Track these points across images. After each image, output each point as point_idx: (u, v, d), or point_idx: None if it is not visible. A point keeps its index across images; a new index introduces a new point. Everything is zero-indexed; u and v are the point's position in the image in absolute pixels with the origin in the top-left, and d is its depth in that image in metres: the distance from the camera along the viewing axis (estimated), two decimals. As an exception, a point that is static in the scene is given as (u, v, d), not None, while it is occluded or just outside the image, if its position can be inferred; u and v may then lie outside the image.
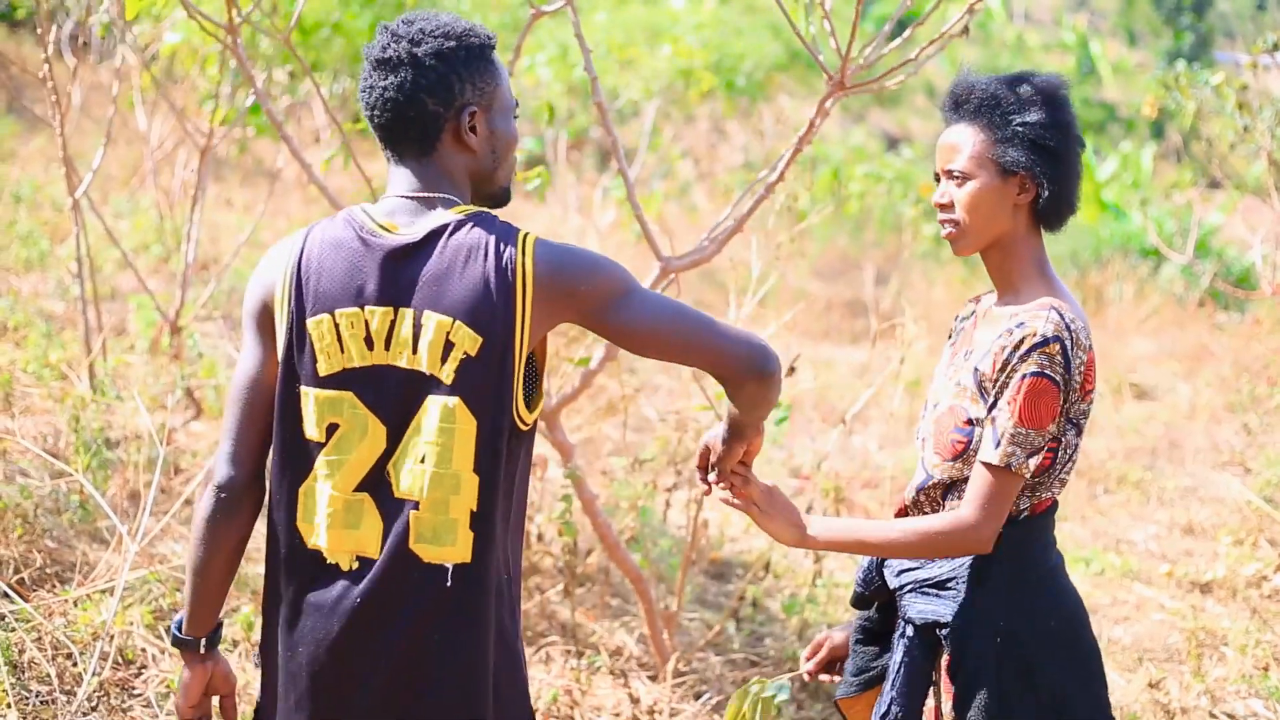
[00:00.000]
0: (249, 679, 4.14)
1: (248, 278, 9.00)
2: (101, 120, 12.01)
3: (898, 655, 2.87)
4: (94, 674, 3.90)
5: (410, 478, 2.33)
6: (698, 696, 4.76)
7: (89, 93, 12.11)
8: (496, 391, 2.32)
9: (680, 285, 4.18)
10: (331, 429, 2.38)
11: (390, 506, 2.35)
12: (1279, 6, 30.88)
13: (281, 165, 11.26)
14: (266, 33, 4.36)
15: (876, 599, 3.03)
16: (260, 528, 2.54)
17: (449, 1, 12.56)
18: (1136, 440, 8.81)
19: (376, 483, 2.37)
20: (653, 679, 4.83)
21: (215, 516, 2.46)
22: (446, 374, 2.31)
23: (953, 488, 2.77)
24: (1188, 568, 6.52)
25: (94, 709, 3.89)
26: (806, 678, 3.21)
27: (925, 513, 2.83)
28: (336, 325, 2.37)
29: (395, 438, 2.35)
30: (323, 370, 2.38)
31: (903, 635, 2.87)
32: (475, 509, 2.33)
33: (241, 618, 4.47)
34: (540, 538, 5.30)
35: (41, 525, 4.67)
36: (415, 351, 2.33)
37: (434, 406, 2.32)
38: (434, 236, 2.34)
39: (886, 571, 2.94)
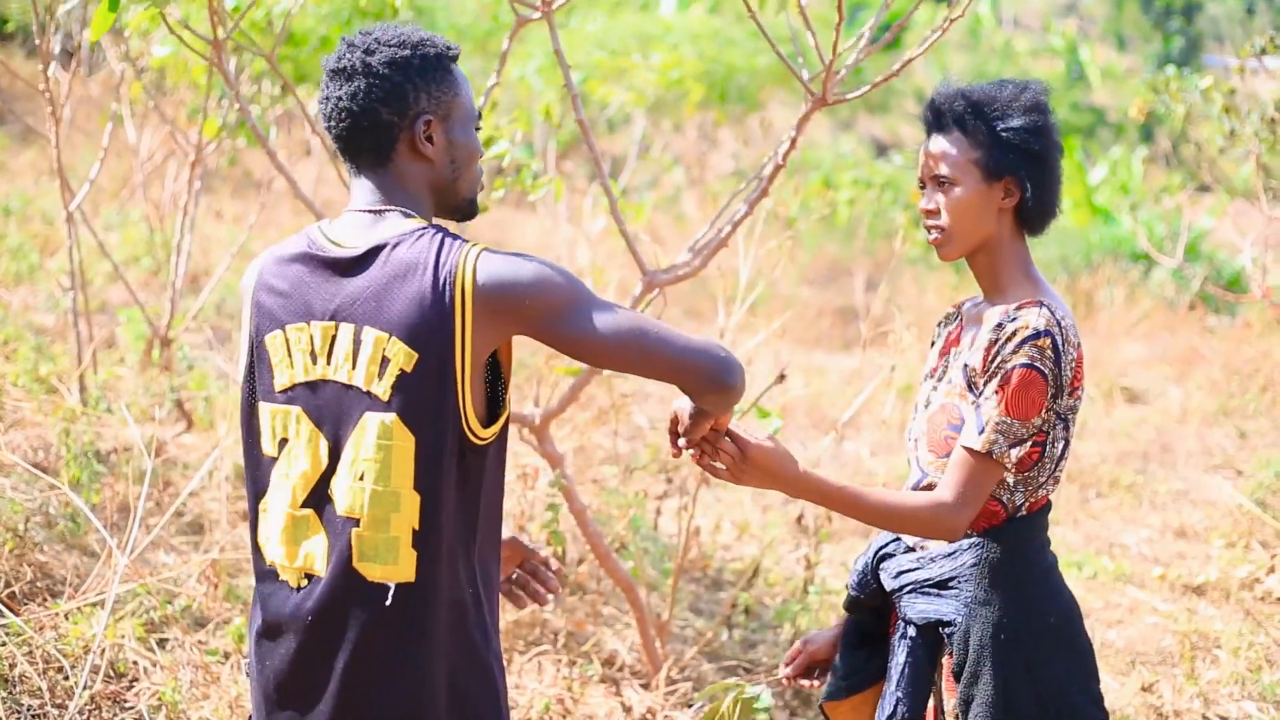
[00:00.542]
0: (240, 690, 4.14)
1: (238, 290, 9.05)
2: (91, 133, 12.02)
3: (900, 656, 2.88)
4: (85, 687, 3.89)
5: (350, 495, 2.31)
6: (690, 704, 4.76)
7: (78, 106, 12.10)
8: (436, 408, 2.28)
9: (665, 294, 4.18)
10: (283, 444, 2.38)
11: (335, 524, 2.33)
12: (1268, 11, 30.92)
13: (272, 177, 11.25)
14: (251, 49, 4.35)
15: (870, 603, 3.04)
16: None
17: (444, 13, 12.56)
18: (1128, 444, 8.82)
19: (321, 499, 2.35)
20: (645, 687, 4.82)
21: None
22: (383, 390, 2.29)
23: None
24: (1180, 571, 6.53)
25: (85, 722, 3.88)
26: (785, 682, 3.21)
27: None
28: (288, 340, 2.37)
29: (336, 454, 2.34)
30: (277, 385, 2.39)
31: (904, 636, 2.89)
32: (417, 527, 2.30)
33: (232, 630, 4.46)
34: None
35: (32, 539, 4.66)
36: (355, 367, 2.31)
37: (372, 423, 2.30)
38: (376, 251, 2.32)
39: (883, 574, 2.96)
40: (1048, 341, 2.67)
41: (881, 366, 5.80)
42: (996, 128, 2.78)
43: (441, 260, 2.29)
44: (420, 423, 2.28)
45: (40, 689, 3.88)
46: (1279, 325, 10.18)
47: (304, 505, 2.36)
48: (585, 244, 9.42)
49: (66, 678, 3.99)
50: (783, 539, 6.39)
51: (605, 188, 4.01)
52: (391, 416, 2.28)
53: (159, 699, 4.05)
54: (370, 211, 2.41)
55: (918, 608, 2.84)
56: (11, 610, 4.20)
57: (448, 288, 2.26)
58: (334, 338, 2.33)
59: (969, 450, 2.70)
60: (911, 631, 2.87)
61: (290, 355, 2.37)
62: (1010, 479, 2.77)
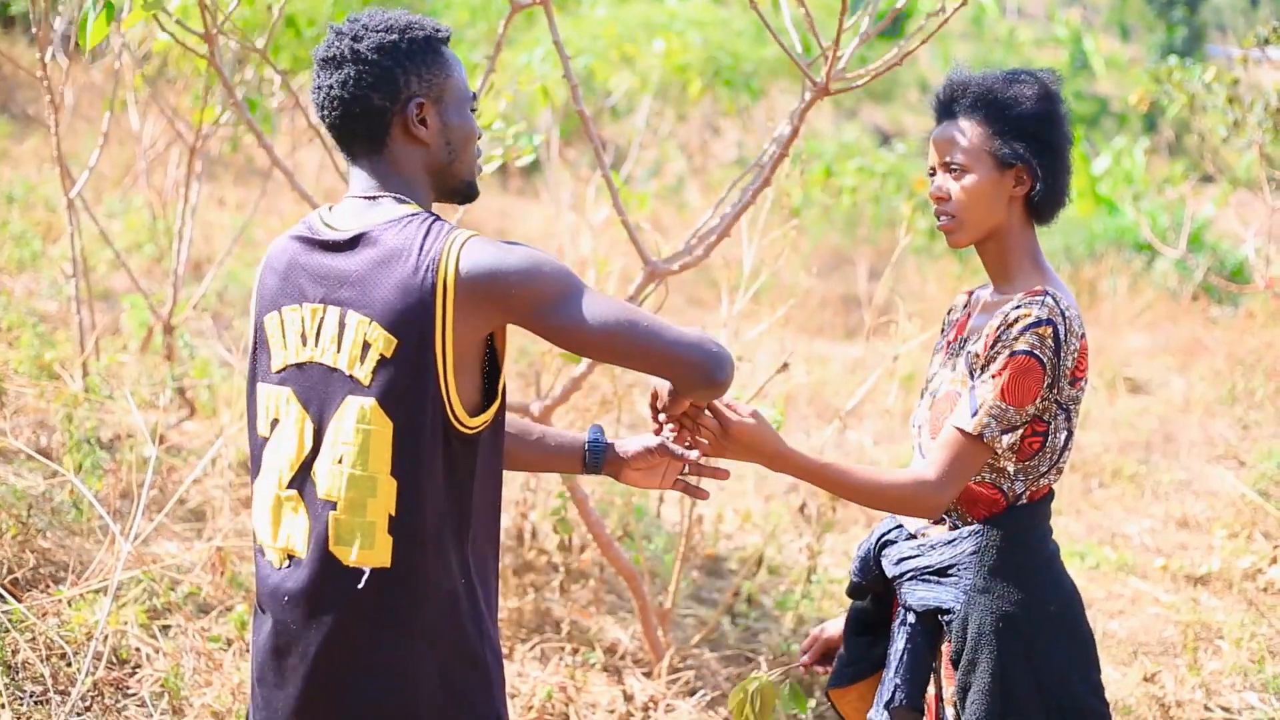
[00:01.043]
0: (243, 677, 4.14)
1: (240, 277, 9.06)
2: (94, 120, 12.01)
3: (900, 642, 2.89)
4: (88, 674, 3.89)
5: (329, 479, 2.31)
6: (692, 693, 4.76)
7: (81, 93, 12.09)
8: (416, 394, 2.27)
9: (667, 283, 4.17)
10: (274, 425, 2.39)
11: (315, 506, 2.34)
12: (1271, 2, 30.86)
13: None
14: (243, 44, 4.33)
15: (872, 589, 3.05)
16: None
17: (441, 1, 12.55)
18: (1131, 434, 8.82)
19: (305, 481, 2.36)
20: (647, 675, 4.82)
21: None
22: (364, 375, 2.29)
23: None
24: (1183, 561, 6.52)
25: (88, 709, 3.88)
26: (803, 670, 3.22)
27: None
28: (283, 321, 2.39)
29: (319, 436, 2.34)
30: (273, 366, 2.40)
31: (904, 623, 2.89)
32: (394, 513, 2.29)
33: (235, 617, 4.46)
34: (534, 534, 5.30)
35: (35, 525, 4.66)
36: (339, 350, 2.32)
37: (352, 406, 2.30)
38: (365, 235, 2.32)
39: (885, 560, 2.96)
40: (1049, 330, 2.67)
41: (885, 356, 5.79)
42: (1008, 115, 2.78)
43: (426, 247, 2.28)
44: (399, 408, 2.28)
45: (43, 675, 3.89)
46: (1282, 315, 10.18)
47: (289, 486, 2.36)
48: (588, 233, 9.40)
49: (69, 664, 3.99)
50: (785, 528, 6.38)
51: (606, 178, 3.99)
52: (370, 401, 2.28)
53: (161, 686, 4.05)
54: (366, 198, 2.41)
55: (918, 595, 2.85)
56: (14, 597, 4.20)
57: (430, 274, 2.25)
58: (321, 320, 2.34)
59: (960, 431, 2.71)
60: (911, 618, 2.88)
61: (284, 336, 2.38)
62: (1011, 468, 2.77)
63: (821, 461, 2.76)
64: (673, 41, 12.60)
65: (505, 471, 2.56)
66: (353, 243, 2.33)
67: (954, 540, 2.82)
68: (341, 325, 2.31)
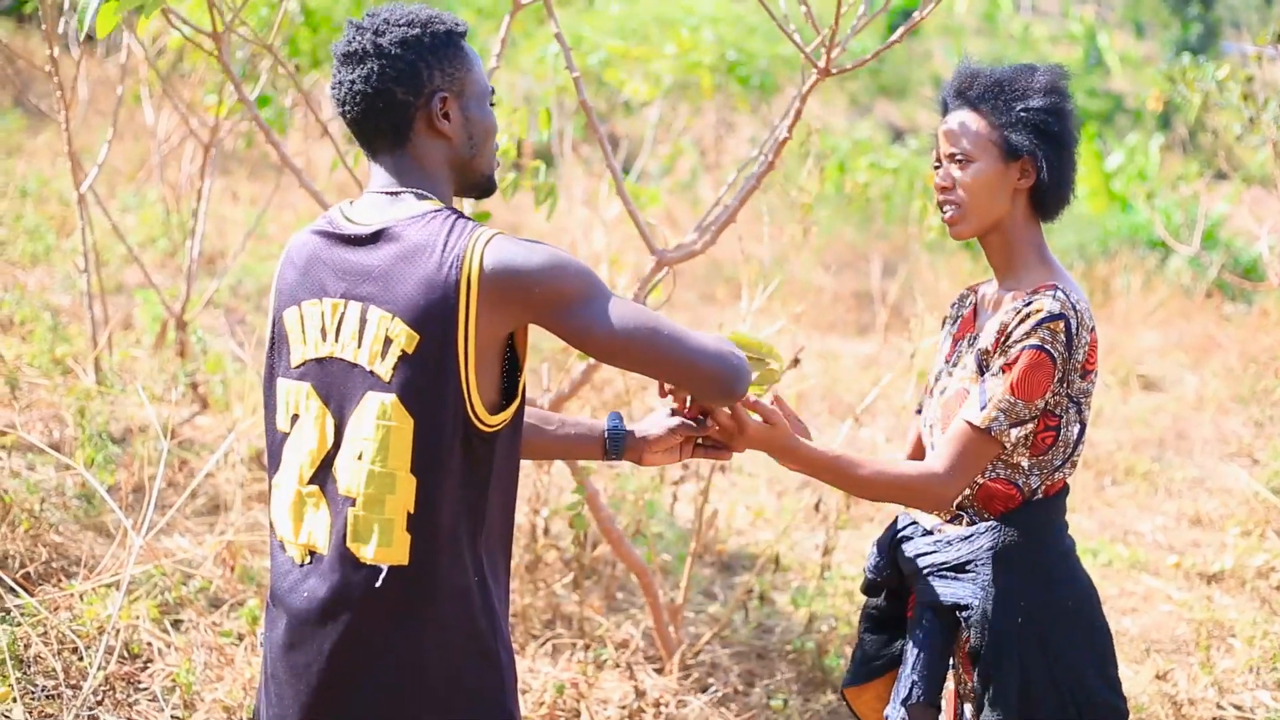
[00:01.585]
0: (254, 672, 4.14)
1: (254, 271, 9.07)
2: (108, 114, 12.02)
3: (917, 639, 2.88)
4: (99, 668, 3.90)
5: (349, 475, 2.30)
6: (704, 689, 4.76)
7: (95, 87, 12.11)
8: (437, 391, 2.26)
9: (680, 279, 4.16)
10: (295, 421, 2.38)
11: (336, 502, 2.33)
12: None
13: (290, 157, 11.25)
14: (252, 42, 4.33)
15: (887, 585, 3.04)
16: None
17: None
18: (1144, 431, 8.80)
19: (326, 477, 2.35)
20: (659, 672, 4.82)
21: None
22: (385, 371, 2.28)
23: None
24: (1195, 559, 6.51)
25: (99, 703, 3.89)
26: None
27: None
28: (303, 316, 2.38)
29: (340, 431, 2.33)
30: (292, 361, 2.39)
31: (921, 619, 2.88)
32: (413, 510, 2.28)
33: (246, 611, 4.47)
34: (546, 531, 5.30)
35: (47, 519, 4.67)
36: (360, 346, 2.31)
37: (372, 402, 2.29)
38: (386, 231, 2.32)
39: (901, 557, 2.95)
40: (1061, 325, 2.67)
41: (899, 352, 5.78)
42: (1016, 107, 2.78)
43: (450, 243, 2.27)
44: (420, 405, 2.27)
45: (55, 669, 3.89)
46: (1296, 313, 10.15)
47: (310, 482, 2.36)
48: (601, 228, 9.40)
49: (81, 658, 4.00)
50: (798, 525, 6.38)
51: (611, 168, 3.99)
52: (391, 397, 2.27)
53: (173, 680, 4.06)
54: (387, 193, 2.40)
55: (934, 590, 2.84)
56: (26, 591, 4.21)
57: (454, 271, 2.24)
58: (342, 315, 2.33)
59: (969, 424, 2.71)
60: (928, 615, 2.87)
61: (304, 331, 2.38)
62: (1025, 462, 2.76)
63: (831, 454, 2.76)
64: (686, 38, 12.59)
65: (522, 461, 2.56)
66: (375, 238, 2.32)
67: (971, 536, 2.81)
68: (363, 321, 2.30)
